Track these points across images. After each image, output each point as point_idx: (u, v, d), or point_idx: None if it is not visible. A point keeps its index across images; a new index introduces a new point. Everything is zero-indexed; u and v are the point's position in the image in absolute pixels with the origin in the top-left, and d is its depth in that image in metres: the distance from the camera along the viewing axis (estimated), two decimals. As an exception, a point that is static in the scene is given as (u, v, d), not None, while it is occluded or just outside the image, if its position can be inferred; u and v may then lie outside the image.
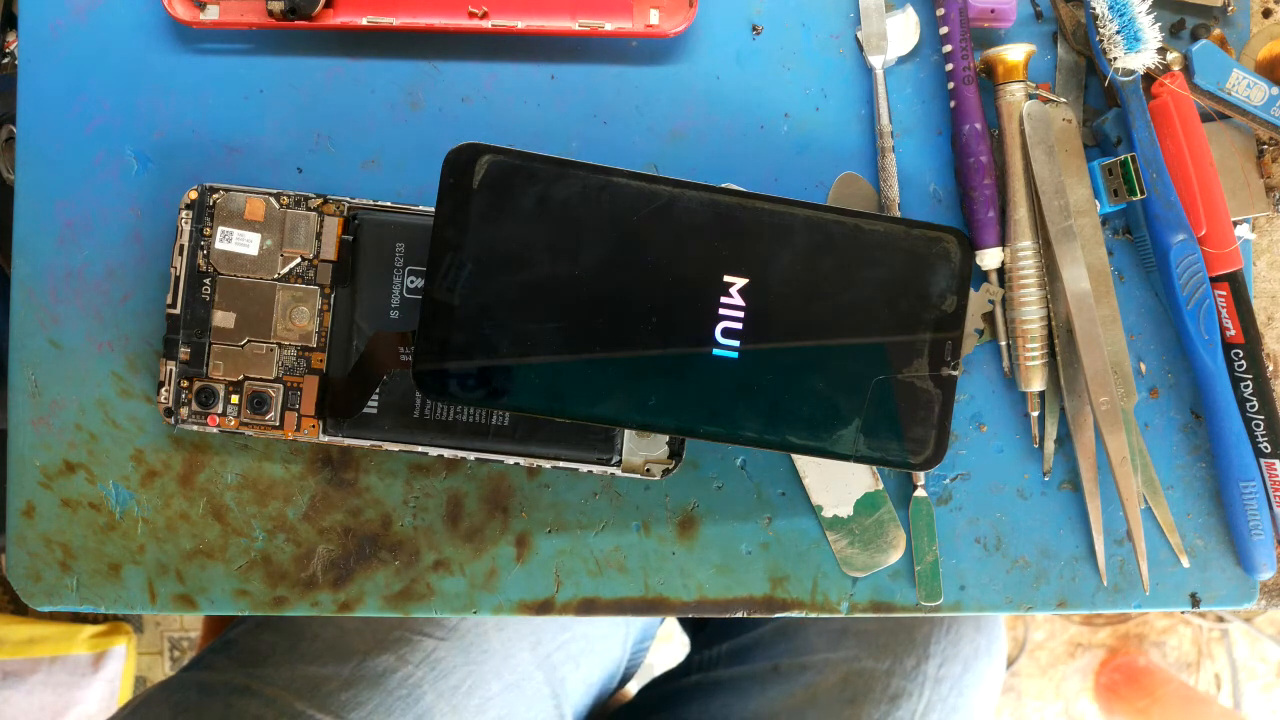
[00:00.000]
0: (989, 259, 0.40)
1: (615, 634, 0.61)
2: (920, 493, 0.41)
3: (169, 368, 0.38)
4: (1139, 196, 0.38)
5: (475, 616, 0.53)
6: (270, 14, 0.37)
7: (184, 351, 0.38)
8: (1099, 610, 0.42)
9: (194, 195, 0.37)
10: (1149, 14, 0.38)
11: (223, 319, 0.38)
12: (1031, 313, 0.39)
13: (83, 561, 0.40)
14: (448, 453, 0.38)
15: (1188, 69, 0.40)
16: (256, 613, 0.41)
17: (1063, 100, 0.40)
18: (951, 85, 0.39)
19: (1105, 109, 0.41)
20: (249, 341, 0.38)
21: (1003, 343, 0.41)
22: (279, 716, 0.48)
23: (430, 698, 0.51)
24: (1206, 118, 0.40)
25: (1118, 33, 0.38)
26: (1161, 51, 0.39)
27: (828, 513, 0.41)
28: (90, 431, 0.40)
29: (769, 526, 0.41)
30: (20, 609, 1.01)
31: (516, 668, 0.54)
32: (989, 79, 0.40)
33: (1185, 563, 0.42)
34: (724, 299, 0.34)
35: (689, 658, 0.65)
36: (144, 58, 0.39)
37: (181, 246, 0.37)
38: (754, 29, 0.40)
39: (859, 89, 0.41)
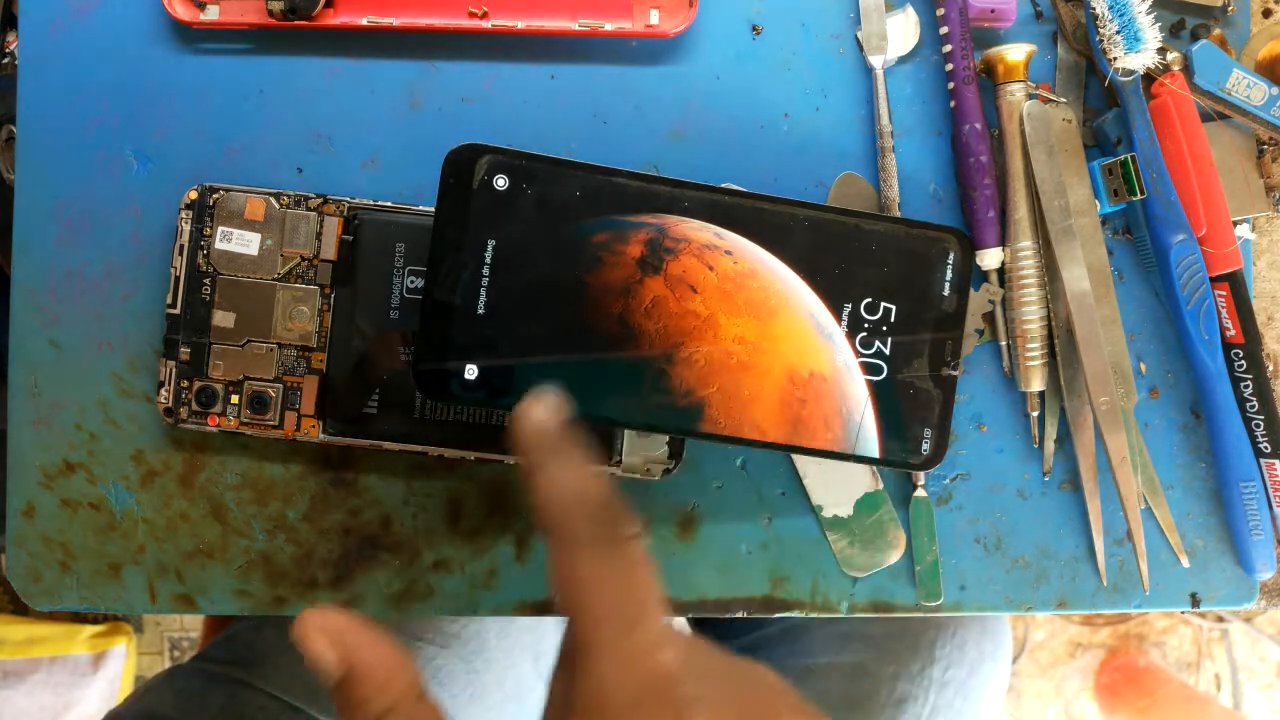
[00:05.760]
0: (989, 259, 0.40)
1: None
2: (920, 493, 0.41)
3: (169, 368, 0.38)
4: (1139, 196, 0.38)
5: (476, 624, 0.52)
6: (270, 14, 0.37)
7: (184, 351, 0.38)
8: (1099, 610, 0.42)
9: (194, 195, 0.37)
10: (1149, 14, 0.38)
11: (223, 319, 0.38)
12: (1031, 313, 0.39)
13: (83, 561, 0.40)
14: (448, 453, 0.38)
15: (1188, 69, 0.40)
16: (257, 613, 0.41)
17: (1063, 100, 0.40)
18: (951, 85, 0.39)
19: (1105, 109, 0.41)
20: (249, 341, 0.38)
21: (1003, 343, 0.41)
22: (281, 712, 0.48)
23: None
24: (1206, 118, 0.40)
25: (1118, 33, 0.38)
26: (1161, 51, 0.39)
27: (828, 513, 0.41)
28: (90, 431, 0.40)
29: (769, 526, 0.41)
30: (20, 609, 1.01)
31: (518, 678, 0.53)
32: (989, 79, 0.40)
33: (1185, 563, 0.42)
34: (724, 299, 0.34)
35: None
36: (144, 58, 0.39)
37: (181, 246, 0.37)
38: (754, 29, 0.40)
39: (859, 89, 0.41)
